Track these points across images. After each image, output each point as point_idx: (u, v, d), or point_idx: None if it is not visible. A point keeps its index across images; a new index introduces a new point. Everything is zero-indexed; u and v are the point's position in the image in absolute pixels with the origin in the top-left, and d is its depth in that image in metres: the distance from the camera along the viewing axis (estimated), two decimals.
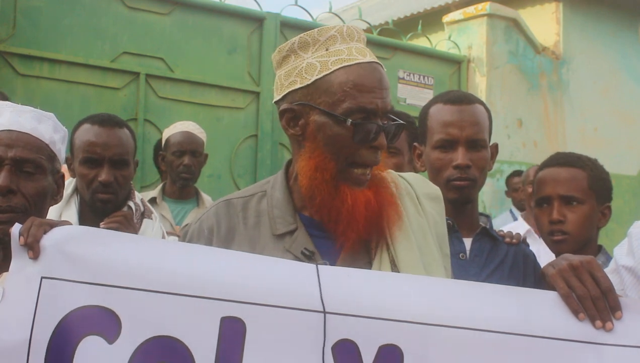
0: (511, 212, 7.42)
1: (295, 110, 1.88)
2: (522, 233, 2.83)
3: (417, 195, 2.04)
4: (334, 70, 1.83)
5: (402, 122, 1.90)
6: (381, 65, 1.89)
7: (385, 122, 1.85)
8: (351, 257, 1.90)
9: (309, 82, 1.85)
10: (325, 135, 1.83)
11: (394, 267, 1.88)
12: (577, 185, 2.74)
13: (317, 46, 1.88)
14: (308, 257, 1.86)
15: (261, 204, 1.98)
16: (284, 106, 1.90)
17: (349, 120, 1.80)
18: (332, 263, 1.87)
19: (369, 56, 1.88)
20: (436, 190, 2.11)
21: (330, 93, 1.82)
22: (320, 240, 1.91)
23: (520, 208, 7.18)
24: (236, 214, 1.97)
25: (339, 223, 1.85)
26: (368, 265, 1.90)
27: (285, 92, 1.90)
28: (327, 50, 1.87)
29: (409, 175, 2.13)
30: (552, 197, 2.75)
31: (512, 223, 6.38)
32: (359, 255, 1.92)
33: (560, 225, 2.72)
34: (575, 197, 2.73)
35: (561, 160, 2.84)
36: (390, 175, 2.06)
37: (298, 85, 1.87)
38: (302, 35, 1.91)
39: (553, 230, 2.74)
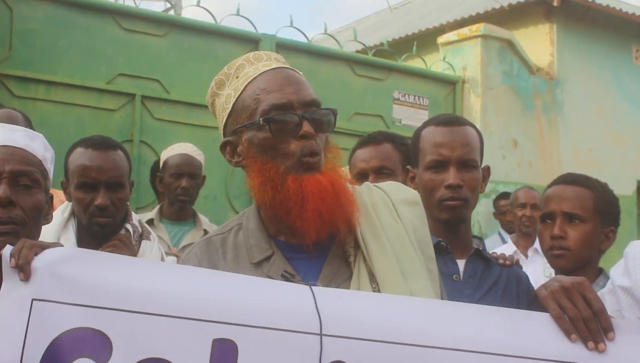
0: (500, 234, 7.40)
1: (232, 141, 1.95)
2: (504, 253, 2.83)
3: (393, 202, 2.02)
4: (244, 88, 1.91)
5: (329, 108, 1.92)
6: (291, 68, 1.97)
7: (309, 111, 1.88)
8: (331, 274, 1.90)
9: (230, 109, 1.93)
10: (256, 146, 1.88)
11: (372, 278, 1.87)
12: (581, 203, 2.74)
13: (230, 79, 1.97)
14: (288, 279, 1.85)
15: (238, 237, 1.99)
16: (221, 142, 1.98)
17: (260, 118, 1.85)
18: (314, 282, 1.86)
19: (274, 64, 1.95)
20: (413, 194, 2.09)
21: (246, 108, 1.89)
22: (298, 262, 1.91)
23: (509, 231, 7.16)
24: (216, 251, 1.97)
25: (292, 210, 1.84)
26: (349, 279, 1.89)
27: (222, 132, 1.99)
28: (237, 77, 1.95)
29: (384, 184, 2.12)
30: (556, 213, 2.76)
31: (501, 247, 6.34)
32: (339, 271, 1.91)
33: (561, 241, 2.73)
34: (578, 215, 2.73)
35: (569, 179, 2.85)
36: (365, 186, 2.06)
37: (225, 118, 1.96)
38: (216, 77, 2.01)
39: (553, 245, 2.75)
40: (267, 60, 1.97)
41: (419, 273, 1.92)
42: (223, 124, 1.97)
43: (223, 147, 1.97)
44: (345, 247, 1.94)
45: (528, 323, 1.81)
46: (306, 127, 1.84)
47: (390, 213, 2.00)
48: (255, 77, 1.91)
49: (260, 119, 1.85)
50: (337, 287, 1.87)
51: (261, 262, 1.91)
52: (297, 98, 1.87)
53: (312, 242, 1.86)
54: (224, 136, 1.99)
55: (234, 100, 1.92)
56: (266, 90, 1.88)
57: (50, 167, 2.24)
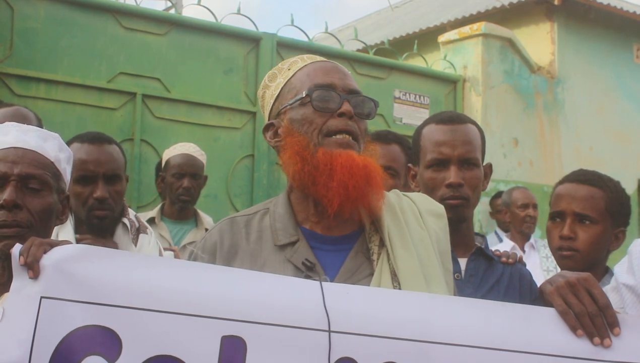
0: (496, 233, 7.42)
1: (274, 123, 2.02)
2: (507, 250, 2.82)
3: (420, 212, 2.07)
4: (293, 75, 2.03)
5: (371, 98, 1.99)
6: (339, 65, 2.06)
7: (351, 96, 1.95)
8: (353, 269, 1.92)
9: (277, 94, 2.03)
10: (295, 123, 1.94)
11: (395, 278, 1.89)
12: (593, 204, 2.69)
13: (282, 71, 2.06)
14: (309, 267, 1.88)
15: (264, 221, 2.03)
16: (265, 125, 2.06)
17: (305, 92, 1.93)
18: (334, 274, 1.90)
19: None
20: (439, 207, 2.13)
21: (291, 90, 2.00)
22: (321, 252, 1.95)
23: (505, 230, 7.19)
24: (239, 231, 2.01)
25: (319, 179, 1.87)
26: (370, 276, 1.91)
27: (267, 116, 2.07)
28: (289, 69, 2.04)
29: (413, 194, 2.17)
30: (566, 213, 2.72)
31: (497, 245, 6.40)
32: (361, 267, 1.94)
33: (570, 241, 2.69)
34: (589, 216, 2.68)
35: (581, 177, 2.79)
36: (393, 192, 2.10)
37: (272, 103, 2.04)
38: (269, 72, 2.12)
39: (562, 246, 2.71)
40: (320, 60, 2.06)
41: (440, 280, 1.94)
42: (270, 109, 2.05)
43: (266, 128, 2.05)
44: (369, 244, 1.97)
45: (534, 318, 1.81)
46: (346, 106, 1.91)
47: (417, 220, 2.04)
48: (304, 66, 2.02)
49: (304, 92, 1.93)
50: (357, 283, 1.89)
51: (285, 245, 1.95)
52: (342, 84, 1.96)
53: (333, 212, 1.88)
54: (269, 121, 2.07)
55: (282, 85, 2.03)
56: (313, 74, 1.98)
57: (65, 168, 2.24)
